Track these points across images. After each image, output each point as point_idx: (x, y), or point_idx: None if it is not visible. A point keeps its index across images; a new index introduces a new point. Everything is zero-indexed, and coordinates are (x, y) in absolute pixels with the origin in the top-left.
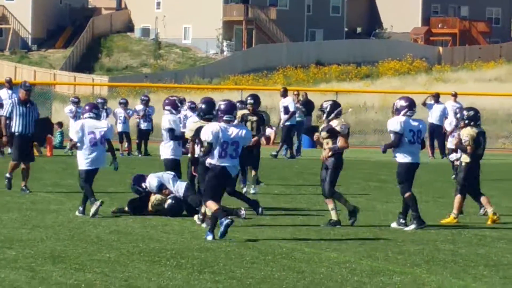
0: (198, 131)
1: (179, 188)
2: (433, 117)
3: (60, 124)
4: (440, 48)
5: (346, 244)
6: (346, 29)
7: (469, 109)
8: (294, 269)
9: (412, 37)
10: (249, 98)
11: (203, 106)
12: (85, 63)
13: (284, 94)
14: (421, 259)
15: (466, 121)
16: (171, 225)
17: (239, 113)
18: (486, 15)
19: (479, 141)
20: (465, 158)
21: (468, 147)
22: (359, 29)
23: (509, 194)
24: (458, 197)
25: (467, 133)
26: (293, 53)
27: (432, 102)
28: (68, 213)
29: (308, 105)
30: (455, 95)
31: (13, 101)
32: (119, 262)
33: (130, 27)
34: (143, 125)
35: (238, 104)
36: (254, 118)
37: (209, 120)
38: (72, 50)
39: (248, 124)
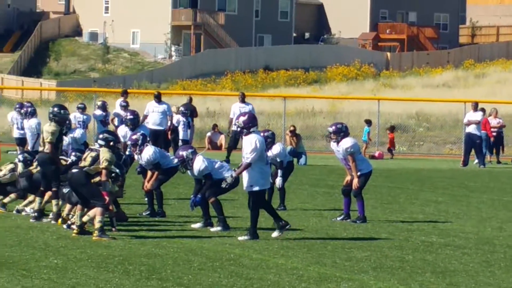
0: (52, 133)
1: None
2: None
3: None
4: (388, 54)
5: (293, 250)
6: (294, 35)
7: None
8: (242, 275)
9: (360, 43)
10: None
11: (55, 108)
12: (33, 67)
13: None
14: (368, 265)
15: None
16: (119, 231)
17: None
18: (434, 21)
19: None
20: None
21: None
22: (307, 35)
23: (457, 200)
24: None
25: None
26: (242, 58)
27: None
28: (15, 218)
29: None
30: (242, 96)
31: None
32: (66, 268)
33: (78, 32)
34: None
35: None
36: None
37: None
38: (20, 54)
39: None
